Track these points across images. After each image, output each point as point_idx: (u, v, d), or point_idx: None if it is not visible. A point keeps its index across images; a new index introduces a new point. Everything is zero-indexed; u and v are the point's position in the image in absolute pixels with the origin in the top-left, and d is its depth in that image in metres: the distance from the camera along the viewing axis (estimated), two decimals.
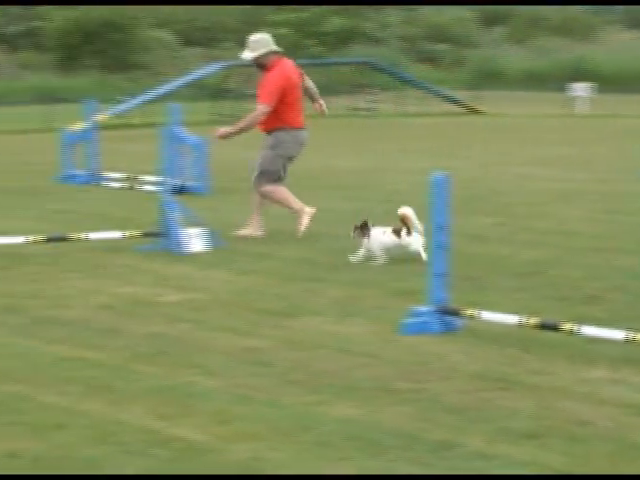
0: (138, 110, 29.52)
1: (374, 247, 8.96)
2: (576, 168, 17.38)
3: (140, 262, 9.16)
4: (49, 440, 4.81)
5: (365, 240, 9.00)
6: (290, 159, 10.51)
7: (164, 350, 6.32)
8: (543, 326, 6.32)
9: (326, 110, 10.99)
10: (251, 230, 10.42)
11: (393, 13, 56.70)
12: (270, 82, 10.24)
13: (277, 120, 10.31)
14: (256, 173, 10.47)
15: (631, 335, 5.87)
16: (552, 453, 4.67)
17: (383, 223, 9.11)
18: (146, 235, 9.84)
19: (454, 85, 42.41)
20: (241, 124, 10.38)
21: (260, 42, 10.36)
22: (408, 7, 57.28)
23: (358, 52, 46.20)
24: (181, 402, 5.35)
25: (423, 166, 16.03)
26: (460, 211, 9.85)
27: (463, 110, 36.52)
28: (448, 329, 6.66)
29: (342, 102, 34.83)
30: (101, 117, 16.42)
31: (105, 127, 20.67)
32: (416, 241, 8.88)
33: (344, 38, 50.29)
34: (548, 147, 22.07)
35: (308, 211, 10.41)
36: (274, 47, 10.38)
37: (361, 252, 9.02)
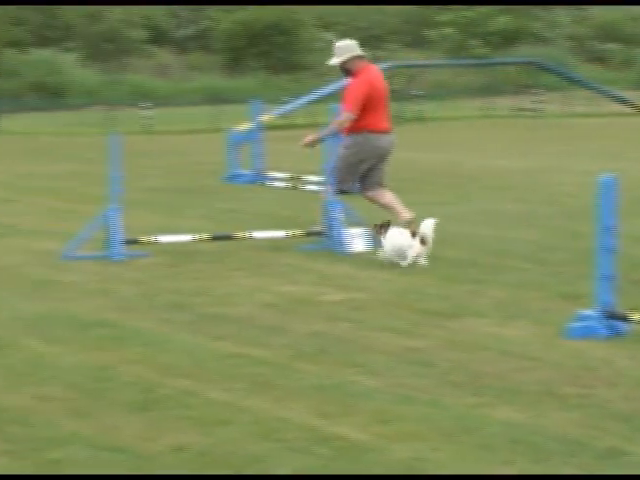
0: (302, 110, 29.81)
1: (387, 246, 9.04)
2: None
3: (303, 261, 9.26)
4: (214, 435, 4.91)
5: (382, 238, 9.12)
6: (363, 161, 10.41)
7: (326, 349, 6.37)
8: None
9: None
10: (405, 214, 10.30)
11: (562, 13, 55.69)
12: (355, 89, 10.35)
13: (358, 123, 10.35)
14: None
15: None
16: None
17: (545, 225, 8.97)
18: (309, 234, 9.96)
19: (623, 85, 41.41)
20: (326, 131, 10.51)
21: (345, 48, 10.50)
22: (578, 7, 56.16)
23: (523, 52, 45.56)
24: (342, 401, 5.39)
25: (590, 168, 15.71)
26: (627, 213, 9.61)
27: (633, 111, 35.61)
28: (614, 334, 6.51)
29: (507, 102, 34.47)
30: (266, 117, 16.64)
31: (270, 127, 20.97)
32: (421, 250, 8.96)
33: (509, 38, 49.67)
34: None
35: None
36: (358, 52, 10.51)
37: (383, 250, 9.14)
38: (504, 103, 34.16)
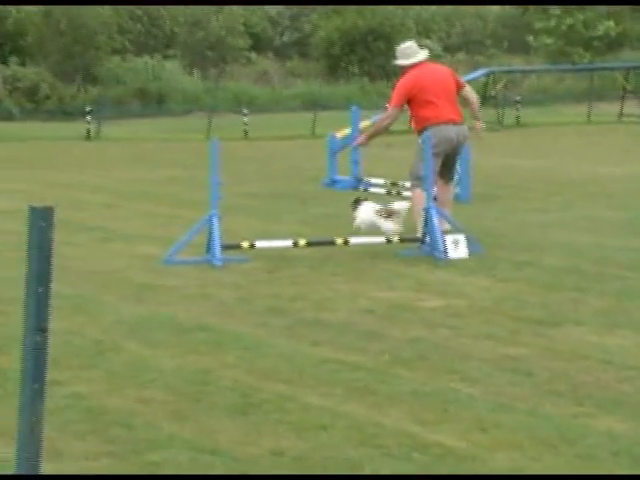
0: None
1: (358, 216, 10.22)
2: None
3: (401, 267, 9.24)
4: (312, 440, 4.92)
5: (355, 213, 10.32)
6: (437, 155, 10.39)
7: (424, 355, 6.35)
8: None
9: (481, 134, 11.25)
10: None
11: None
12: (398, 86, 10.82)
13: (420, 121, 10.69)
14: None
15: None
16: None
17: None
18: (407, 240, 9.93)
19: None
20: (372, 129, 11.00)
21: (406, 50, 10.88)
22: None
23: (627, 57, 44.82)
24: (440, 408, 5.36)
25: None
26: None
27: None
28: None
29: (611, 108, 33.93)
30: (364, 124, 16.64)
31: None
32: (390, 227, 9.97)
33: (612, 43, 48.90)
34: None
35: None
36: (420, 55, 10.80)
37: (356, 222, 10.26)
38: (608, 109, 33.64)
